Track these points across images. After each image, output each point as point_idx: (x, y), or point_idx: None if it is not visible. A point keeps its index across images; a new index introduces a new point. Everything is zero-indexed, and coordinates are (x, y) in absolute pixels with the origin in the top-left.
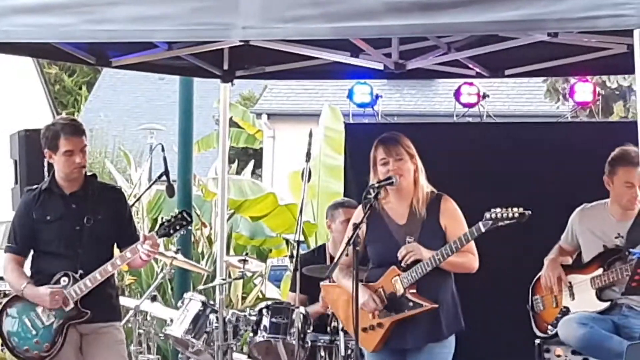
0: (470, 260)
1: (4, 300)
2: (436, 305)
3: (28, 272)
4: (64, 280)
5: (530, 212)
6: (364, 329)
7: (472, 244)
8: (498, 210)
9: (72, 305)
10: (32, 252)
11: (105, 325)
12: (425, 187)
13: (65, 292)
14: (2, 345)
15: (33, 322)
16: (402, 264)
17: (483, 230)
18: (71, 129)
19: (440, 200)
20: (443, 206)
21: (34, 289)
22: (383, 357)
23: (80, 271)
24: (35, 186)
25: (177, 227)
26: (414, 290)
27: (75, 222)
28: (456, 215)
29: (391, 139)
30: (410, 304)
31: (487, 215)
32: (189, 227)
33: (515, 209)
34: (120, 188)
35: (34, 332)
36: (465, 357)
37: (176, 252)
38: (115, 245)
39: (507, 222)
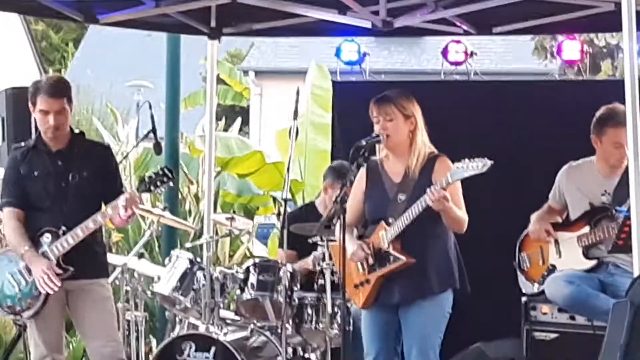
0: (465, 216)
1: None
2: (413, 260)
3: None
4: (47, 237)
5: (492, 162)
6: (355, 286)
7: (463, 202)
8: (466, 160)
9: (55, 262)
10: None
11: (91, 282)
12: (424, 147)
13: (47, 249)
14: None
15: (17, 278)
16: (390, 220)
17: (450, 181)
18: (50, 90)
19: (436, 160)
20: (437, 165)
21: (35, 257)
22: (376, 312)
23: (64, 228)
24: (23, 143)
25: (158, 184)
26: (398, 245)
27: (61, 179)
28: (448, 171)
29: (384, 98)
30: (392, 258)
31: (455, 166)
32: (171, 184)
33: (478, 160)
34: (107, 145)
35: (17, 289)
36: (451, 314)
37: (163, 210)
38: (102, 202)
39: (472, 172)
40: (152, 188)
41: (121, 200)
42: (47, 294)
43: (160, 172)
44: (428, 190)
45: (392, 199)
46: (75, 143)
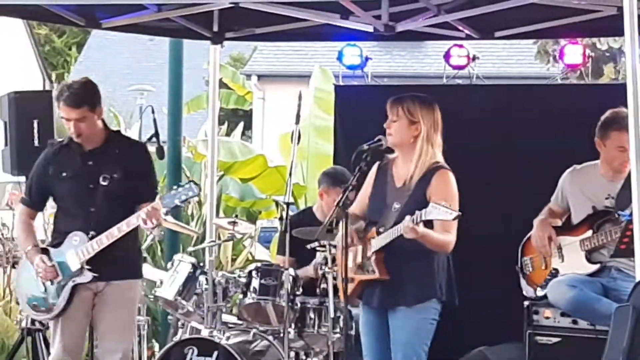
0: (449, 240)
1: (23, 256)
2: (386, 277)
3: (50, 227)
4: (75, 240)
5: (460, 214)
6: (342, 279)
7: (454, 225)
8: (443, 203)
9: (79, 266)
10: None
11: (118, 283)
12: (427, 157)
13: (74, 251)
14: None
15: (43, 280)
16: (380, 229)
17: (423, 218)
18: (69, 99)
19: (435, 173)
20: (434, 180)
21: (33, 256)
22: (370, 314)
23: (92, 232)
24: (59, 140)
25: (183, 197)
26: (381, 257)
27: (89, 180)
28: (443, 187)
29: (398, 98)
30: (370, 268)
31: (431, 206)
32: (196, 199)
33: (451, 209)
34: (144, 143)
35: (43, 289)
36: (454, 319)
37: (166, 214)
38: (135, 202)
39: (442, 218)
40: (175, 201)
41: (142, 213)
42: (72, 294)
43: (187, 186)
44: (404, 220)
45: (389, 204)
46: (111, 141)
